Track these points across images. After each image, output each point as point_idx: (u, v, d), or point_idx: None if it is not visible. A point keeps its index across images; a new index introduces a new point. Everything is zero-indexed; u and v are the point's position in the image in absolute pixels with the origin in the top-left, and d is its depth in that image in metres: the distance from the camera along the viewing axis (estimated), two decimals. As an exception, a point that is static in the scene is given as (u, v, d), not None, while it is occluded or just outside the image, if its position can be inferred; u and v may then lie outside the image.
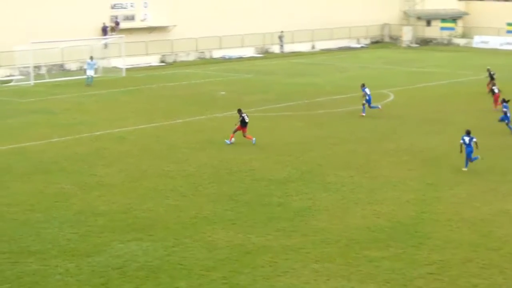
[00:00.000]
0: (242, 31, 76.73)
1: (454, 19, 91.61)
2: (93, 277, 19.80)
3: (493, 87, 45.24)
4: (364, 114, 42.40)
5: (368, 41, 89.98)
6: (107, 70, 62.79)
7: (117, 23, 69.75)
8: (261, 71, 64.43)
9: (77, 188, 28.04)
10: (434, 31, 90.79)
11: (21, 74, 59.45)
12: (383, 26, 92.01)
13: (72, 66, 64.13)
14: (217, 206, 25.84)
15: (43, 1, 64.58)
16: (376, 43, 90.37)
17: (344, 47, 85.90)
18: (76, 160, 32.35)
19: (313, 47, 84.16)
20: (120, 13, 70.73)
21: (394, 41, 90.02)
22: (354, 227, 23.73)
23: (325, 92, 51.56)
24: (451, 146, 33.26)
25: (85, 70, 56.83)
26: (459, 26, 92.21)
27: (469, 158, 30.57)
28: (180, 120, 41.56)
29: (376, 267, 20.47)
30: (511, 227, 23.87)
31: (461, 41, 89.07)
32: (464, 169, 30.60)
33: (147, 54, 70.62)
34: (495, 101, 43.81)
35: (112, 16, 70.06)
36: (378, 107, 43.17)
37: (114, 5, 70.41)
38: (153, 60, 70.75)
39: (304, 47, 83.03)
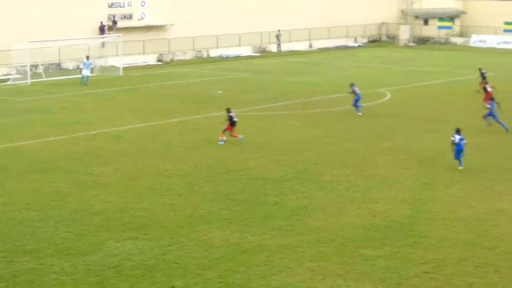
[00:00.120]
0: (239, 30, 76.72)
1: (451, 18, 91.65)
2: (89, 276, 19.80)
3: (486, 86, 45.36)
4: (360, 114, 42.39)
5: (365, 40, 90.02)
6: (104, 69, 62.74)
7: (114, 22, 69.72)
8: (258, 70, 64.44)
9: (73, 187, 28.03)
10: (431, 30, 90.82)
11: (18, 73, 59.42)
12: (381, 25, 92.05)
13: (69, 65, 64.09)
14: (212, 205, 25.85)
15: (41, 0, 64.49)
16: (374, 42, 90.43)
17: (342, 46, 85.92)
18: (72, 159, 32.34)
19: (310, 46, 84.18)
20: (117, 12, 70.70)
21: (391, 40, 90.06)
22: (349, 226, 23.75)
23: (322, 91, 51.56)
24: (447, 145, 33.19)
25: (81, 70, 56.74)
26: (457, 25, 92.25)
27: (457, 158, 30.66)
28: (177, 119, 41.56)
29: (371, 266, 20.49)
30: (507, 226, 23.90)
31: (459, 40, 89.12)
32: (460, 167, 30.63)
33: (144, 53, 70.58)
34: (487, 98, 44.02)
35: (109, 15, 70.02)
36: (361, 106, 42.97)
37: (112, 4, 70.37)
38: (150, 59, 70.73)
39: (302, 46, 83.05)
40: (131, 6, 71.61)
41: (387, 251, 21.55)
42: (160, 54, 71.68)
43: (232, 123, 35.29)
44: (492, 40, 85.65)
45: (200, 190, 27.78)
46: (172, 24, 72.95)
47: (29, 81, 56.29)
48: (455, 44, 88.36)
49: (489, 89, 44.54)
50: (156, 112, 43.89)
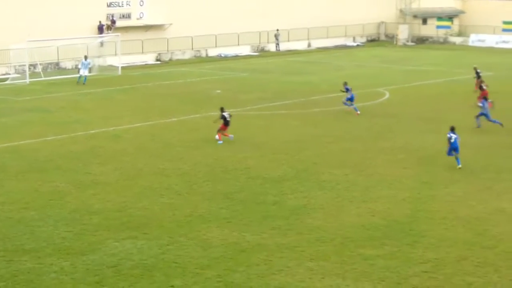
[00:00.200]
0: (238, 30, 76.70)
1: (450, 17, 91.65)
2: (88, 275, 19.78)
3: (482, 84, 45.57)
4: (359, 113, 42.40)
5: (364, 40, 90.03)
6: (102, 68, 62.72)
7: (113, 21, 69.70)
8: (257, 70, 64.43)
9: (72, 187, 28.01)
10: (430, 29, 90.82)
11: (17, 72, 59.41)
12: (379, 24, 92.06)
13: (68, 64, 64.06)
14: (212, 205, 25.84)
15: (39, -1, 64.60)
16: (372, 41, 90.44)
17: (340, 45, 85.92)
18: (71, 159, 32.32)
19: (309, 45, 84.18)
20: (116, 11, 70.68)
21: (390, 40, 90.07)
22: (349, 225, 23.74)
23: (321, 91, 51.54)
24: (447, 144, 33.23)
25: (79, 70, 56.63)
26: (455, 24, 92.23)
27: (450, 155, 30.75)
28: (175, 119, 41.54)
29: (371, 265, 20.48)
30: (506, 226, 23.89)
31: (457, 40, 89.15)
32: (459, 166, 30.64)
33: (143, 53, 70.55)
34: (485, 95, 44.22)
35: (108, 14, 70.01)
36: (351, 105, 43.01)
37: (110, 3, 70.34)
38: (149, 59, 70.72)
39: (300, 45, 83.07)
40: (129, 5, 71.58)
41: (387, 251, 21.53)
42: (159, 54, 71.66)
43: (225, 122, 35.30)
44: (490, 40, 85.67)
45: (199, 190, 27.76)
46: (170, 24, 72.92)
47: (27, 80, 56.26)
48: (454, 43, 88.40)
49: (484, 87, 44.73)
50: (155, 111, 43.88)
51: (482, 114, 38.47)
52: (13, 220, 24.19)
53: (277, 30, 79.66)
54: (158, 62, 70.55)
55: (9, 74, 59.29)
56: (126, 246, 21.78)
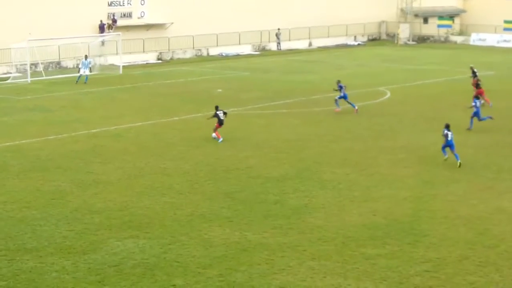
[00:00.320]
0: (239, 29, 76.69)
1: (451, 16, 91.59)
2: (90, 274, 19.80)
3: (478, 83, 45.73)
4: (357, 109, 42.48)
5: (365, 39, 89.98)
6: (104, 67, 62.77)
7: (114, 21, 69.69)
8: (258, 69, 64.42)
9: (73, 186, 28.03)
10: (431, 28, 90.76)
11: (18, 72, 59.42)
12: (380, 23, 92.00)
13: (69, 63, 64.05)
14: (213, 204, 25.85)
15: (40, -2, 64.62)
16: (373, 40, 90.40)
17: (341, 44, 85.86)
18: (72, 158, 32.33)
19: (310, 44, 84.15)
20: (117, 10, 70.67)
21: (391, 39, 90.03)
22: (350, 225, 23.75)
23: (322, 90, 51.51)
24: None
25: (79, 69, 56.59)
26: (456, 23, 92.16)
27: (443, 152, 30.94)
28: (177, 118, 41.55)
29: (372, 264, 20.49)
30: (508, 225, 23.89)
31: (458, 39, 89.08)
32: (459, 161, 30.73)
33: (144, 52, 70.56)
34: (482, 94, 44.36)
35: (109, 13, 69.99)
36: (337, 106, 43.15)
37: (111, 2, 70.34)
38: (150, 58, 70.72)
39: (301, 44, 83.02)
40: (130, 4, 71.57)
41: (388, 250, 21.54)
42: (160, 53, 71.67)
43: (219, 121, 35.35)
44: (491, 39, 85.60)
45: (201, 189, 27.77)
46: (171, 23, 72.92)
47: (29, 79, 56.28)
48: (455, 42, 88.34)
49: (480, 85, 44.98)
50: (156, 110, 43.90)
51: (475, 114, 38.40)
52: (14, 219, 24.22)
53: (278, 29, 79.64)
54: (159, 61, 70.56)
55: (11, 73, 59.30)
56: (128, 245, 21.80)
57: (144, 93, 51.24)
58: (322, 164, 31.40)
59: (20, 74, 58.48)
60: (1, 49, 59.66)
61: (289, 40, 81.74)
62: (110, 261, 20.63)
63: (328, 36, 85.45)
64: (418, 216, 24.70)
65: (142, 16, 72.43)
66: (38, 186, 27.99)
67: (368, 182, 28.66)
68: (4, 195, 26.93)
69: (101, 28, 68.32)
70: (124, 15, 71.27)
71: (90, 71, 56.93)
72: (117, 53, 65.00)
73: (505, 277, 19.81)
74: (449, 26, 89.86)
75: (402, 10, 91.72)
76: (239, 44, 77.56)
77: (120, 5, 70.92)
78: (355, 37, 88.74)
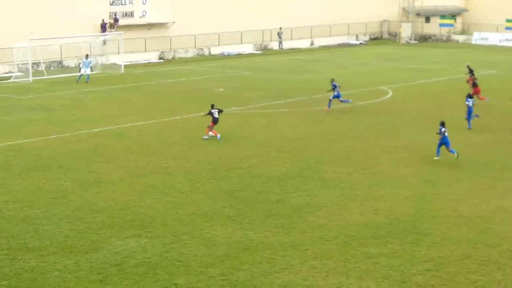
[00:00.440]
0: (241, 28, 76.71)
1: (453, 15, 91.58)
2: (92, 273, 19.80)
3: (475, 81, 45.91)
4: (351, 101, 42.67)
5: (367, 38, 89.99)
6: (105, 66, 62.82)
7: (116, 20, 69.73)
8: (259, 68, 64.43)
9: (75, 185, 28.04)
10: (433, 27, 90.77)
11: (20, 71, 59.47)
12: (382, 22, 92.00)
13: (71, 62, 64.12)
14: (215, 203, 25.85)
15: (42, -3, 64.66)
16: (375, 39, 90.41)
17: (343, 43, 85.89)
18: (74, 157, 32.34)
19: (312, 43, 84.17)
20: (119, 9, 70.73)
21: (393, 38, 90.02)
22: (352, 224, 23.74)
23: (324, 89, 51.42)
24: (450, 143, 33.25)
25: (80, 68, 56.61)
26: (458, 22, 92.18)
27: (447, 147, 31.10)
28: (179, 117, 41.55)
29: (374, 263, 20.48)
30: (510, 224, 23.87)
31: (460, 38, 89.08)
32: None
33: (145, 51, 70.62)
34: (478, 93, 44.56)
35: (111, 12, 70.05)
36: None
37: (113, 1, 70.38)
38: (152, 57, 70.78)
39: (303, 43, 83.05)
40: (132, 3, 71.63)
41: (390, 249, 21.54)
42: (162, 52, 71.72)
43: (213, 119, 35.40)
44: (494, 38, 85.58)
45: (203, 188, 27.77)
46: (173, 22, 72.96)
47: (31, 79, 56.31)
48: (457, 41, 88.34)
49: (477, 84, 45.25)
50: (158, 109, 43.91)
51: (469, 113, 38.45)
52: (16, 219, 24.22)
53: (280, 28, 79.65)
54: (161, 61, 70.60)
55: (13, 72, 59.34)
56: (130, 245, 21.80)
57: (145, 92, 51.26)
58: (324, 163, 31.39)
59: (22, 74, 58.55)
60: (3, 48, 59.73)
61: (291, 39, 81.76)
62: (112, 260, 20.63)
63: (330, 35, 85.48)
64: (420, 215, 24.69)
65: (144, 15, 72.47)
66: (40, 185, 28.00)
67: (370, 181, 28.65)
68: (6, 194, 26.94)
69: (103, 27, 68.36)
70: (126, 14, 71.31)
71: (91, 71, 56.94)
72: (119, 52, 65.01)
73: (507, 275, 19.80)
74: (451, 25, 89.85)
75: (404, 9, 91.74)
76: (241, 43, 77.58)
77: (122, 4, 70.97)
78: (357, 36, 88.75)
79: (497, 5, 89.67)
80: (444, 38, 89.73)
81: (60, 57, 63.85)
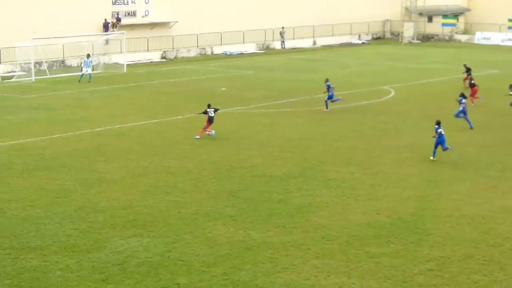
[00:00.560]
0: (243, 27, 76.73)
1: (455, 15, 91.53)
2: (94, 273, 19.81)
3: (472, 81, 45.94)
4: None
5: (369, 37, 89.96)
6: (108, 66, 62.85)
7: (118, 19, 69.75)
8: (262, 67, 64.42)
9: (77, 184, 28.05)
10: (435, 27, 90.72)
11: (22, 70, 59.49)
12: (385, 22, 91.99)
13: (73, 62, 64.12)
14: (217, 202, 25.85)
15: (45, -3, 64.70)
16: (378, 39, 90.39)
17: (346, 43, 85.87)
18: (76, 156, 32.36)
19: (314, 43, 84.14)
20: (121, 9, 70.75)
21: (395, 37, 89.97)
22: (354, 224, 23.73)
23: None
24: (452, 142, 33.23)
25: (81, 68, 56.61)
26: (461, 22, 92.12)
27: (443, 148, 31.12)
28: (181, 117, 41.56)
29: (376, 263, 20.47)
30: (512, 224, 23.89)
31: (463, 37, 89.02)
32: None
33: (148, 50, 70.64)
34: (475, 93, 44.57)
35: (113, 12, 70.07)
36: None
37: (116, 1, 70.40)
38: (154, 56, 70.79)
39: (305, 43, 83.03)
40: (135, 3, 71.65)
41: (392, 249, 21.53)
42: (164, 51, 71.73)
43: (209, 118, 35.47)
44: (496, 37, 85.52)
45: (205, 188, 27.78)
46: (176, 21, 72.98)
47: (33, 78, 56.33)
48: (459, 41, 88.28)
49: (474, 83, 45.30)
50: (160, 109, 43.93)
51: (462, 111, 38.44)
52: (19, 218, 24.24)
53: (282, 28, 79.64)
54: (163, 60, 70.61)
55: (15, 71, 59.36)
56: (132, 244, 21.81)
57: (148, 91, 51.27)
58: (326, 163, 31.39)
59: (24, 73, 58.56)
60: (5, 48, 59.80)
61: (293, 38, 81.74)
62: (114, 260, 20.64)
63: (332, 35, 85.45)
64: (422, 215, 24.69)
65: (146, 15, 72.48)
66: (42, 185, 28.02)
67: (372, 181, 28.65)
68: (8, 193, 26.96)
69: (106, 27, 68.41)
70: (129, 13, 71.33)
71: (92, 70, 56.94)
72: (121, 52, 65.04)
73: (509, 275, 19.79)
74: (454, 24, 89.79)
75: (406, 8, 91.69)
76: (243, 42, 77.59)
77: (125, 4, 71.00)
78: (359, 35, 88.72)
79: (499, 5, 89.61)
80: (447, 37, 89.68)
81: (62, 56, 63.89)
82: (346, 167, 30.67)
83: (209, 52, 74.90)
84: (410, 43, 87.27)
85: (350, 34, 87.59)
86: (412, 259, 20.75)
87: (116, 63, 64.33)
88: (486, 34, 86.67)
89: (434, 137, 31.69)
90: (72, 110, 43.89)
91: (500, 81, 46.46)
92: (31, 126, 39.22)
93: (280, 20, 79.44)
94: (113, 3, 70.23)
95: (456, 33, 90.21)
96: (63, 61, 64.12)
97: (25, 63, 59.37)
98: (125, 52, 64.21)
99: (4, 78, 57.52)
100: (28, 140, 35.68)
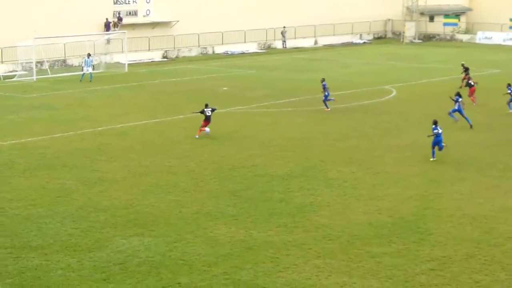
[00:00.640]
0: (245, 27, 76.70)
1: (457, 14, 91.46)
2: (95, 272, 19.81)
3: (469, 81, 45.92)
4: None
5: (371, 37, 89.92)
6: (109, 65, 62.85)
7: (119, 19, 69.75)
8: (263, 67, 64.40)
9: (79, 184, 28.05)
10: (437, 27, 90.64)
11: (24, 70, 59.49)
12: (386, 22, 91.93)
13: (75, 61, 64.09)
14: (219, 202, 25.85)
15: (46, -4, 64.70)
16: (379, 39, 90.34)
17: (347, 42, 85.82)
18: (78, 156, 32.37)
19: (315, 42, 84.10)
20: (122, 8, 70.74)
21: (397, 37, 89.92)
22: (356, 223, 23.72)
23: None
24: (453, 142, 33.25)
25: (82, 67, 56.60)
26: (462, 21, 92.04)
27: (439, 147, 31.24)
28: (182, 116, 41.55)
29: (378, 263, 20.46)
30: (513, 223, 23.86)
31: (464, 37, 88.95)
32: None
33: (149, 50, 70.63)
34: (473, 93, 44.51)
35: (114, 11, 70.06)
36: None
37: (117, 0, 70.39)
38: (156, 56, 70.77)
39: (307, 42, 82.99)
40: (136, 2, 71.63)
41: (394, 248, 21.52)
42: (165, 51, 71.71)
43: (205, 118, 35.51)
44: (498, 37, 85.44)
45: (206, 187, 27.77)
46: (177, 21, 72.96)
47: (34, 77, 56.33)
48: (461, 41, 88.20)
49: (472, 83, 45.25)
50: (162, 108, 43.92)
51: (457, 110, 38.39)
52: (20, 217, 24.25)
53: (284, 27, 79.62)
54: (165, 59, 70.60)
55: (16, 71, 59.37)
56: (133, 243, 21.81)
57: (149, 91, 51.27)
58: (327, 162, 31.37)
59: (25, 72, 58.55)
60: (7, 47, 59.78)
61: (295, 38, 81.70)
62: (115, 259, 20.64)
63: (334, 34, 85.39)
64: (423, 214, 24.67)
65: (147, 14, 72.47)
66: (44, 184, 28.03)
67: (373, 181, 28.63)
68: (9, 192, 26.97)
69: (107, 26, 68.41)
70: (130, 13, 71.32)
71: (93, 69, 56.94)
72: (122, 51, 65.07)
73: (511, 275, 19.76)
74: (455, 24, 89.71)
75: (408, 8, 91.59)
76: (245, 42, 77.57)
77: (126, 3, 70.98)
78: (360, 35, 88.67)
79: (501, 5, 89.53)
80: (448, 37, 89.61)
81: (64, 56, 63.89)
82: (348, 166, 30.66)
83: (210, 52, 74.89)
84: (411, 42, 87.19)
85: (352, 33, 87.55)
86: (413, 259, 20.74)
87: (118, 63, 64.33)
88: (488, 33, 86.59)
89: (429, 136, 31.65)
90: (73, 110, 43.89)
91: (502, 80, 46.38)
92: (33, 125, 39.23)
93: (281, 19, 79.41)
94: (115, 3, 70.23)
95: (458, 32, 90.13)
96: (64, 61, 64.13)
97: (26, 63, 59.36)
98: (127, 52, 64.24)
99: (5, 77, 57.53)
100: (30, 139, 35.69)
